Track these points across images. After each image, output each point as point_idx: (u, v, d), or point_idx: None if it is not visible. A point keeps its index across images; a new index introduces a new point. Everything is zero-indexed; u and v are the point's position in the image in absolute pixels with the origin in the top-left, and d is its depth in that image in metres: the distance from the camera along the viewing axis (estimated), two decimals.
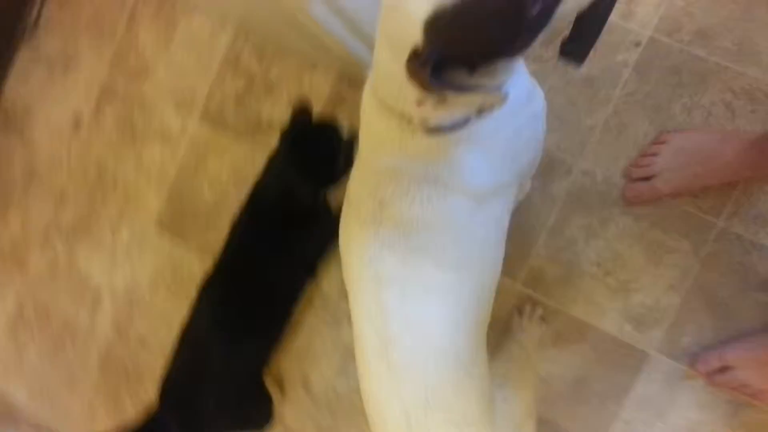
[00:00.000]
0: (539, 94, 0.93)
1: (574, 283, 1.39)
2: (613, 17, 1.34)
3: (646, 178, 1.32)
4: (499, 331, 1.41)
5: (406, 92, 0.65)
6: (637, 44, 1.35)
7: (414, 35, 0.59)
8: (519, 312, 1.42)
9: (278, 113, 1.60)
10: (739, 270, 1.30)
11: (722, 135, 1.26)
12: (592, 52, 1.35)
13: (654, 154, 1.31)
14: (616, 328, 1.37)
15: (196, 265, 1.67)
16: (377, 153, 0.84)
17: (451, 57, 0.61)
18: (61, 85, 1.81)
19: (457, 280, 0.86)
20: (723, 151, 1.23)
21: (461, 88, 0.63)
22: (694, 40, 1.33)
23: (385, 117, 0.78)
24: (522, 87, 0.84)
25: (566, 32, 0.70)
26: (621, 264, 1.37)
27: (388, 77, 0.72)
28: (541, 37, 0.63)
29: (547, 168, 1.40)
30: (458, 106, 0.65)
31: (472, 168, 0.83)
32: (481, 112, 0.65)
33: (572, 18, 0.67)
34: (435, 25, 0.58)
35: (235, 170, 1.64)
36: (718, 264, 1.31)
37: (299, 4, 0.99)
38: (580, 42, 0.71)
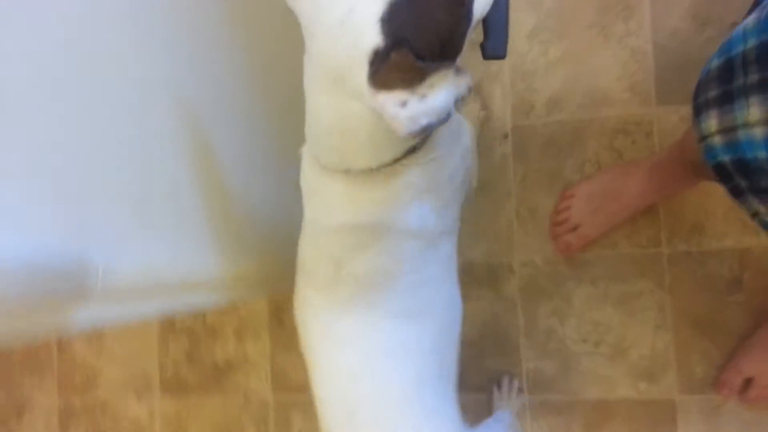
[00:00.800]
0: (466, 127, 0.96)
1: (573, 367, 1.37)
2: (475, 123, 1.41)
3: (570, 231, 1.34)
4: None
5: (381, 105, 0.59)
6: (506, 136, 1.42)
7: (369, 42, 0.58)
8: (498, 386, 1.39)
9: (232, 351, 1.60)
10: (705, 283, 1.31)
11: (623, 169, 1.31)
12: (478, 168, 1.43)
13: (567, 208, 1.35)
14: (633, 391, 1.34)
15: None
16: (328, 215, 0.83)
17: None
18: None
19: (416, 328, 0.85)
20: (628, 184, 1.28)
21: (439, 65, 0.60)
22: (550, 110, 1.40)
23: (330, 179, 0.78)
24: (452, 123, 0.85)
25: (481, 39, 0.73)
26: (603, 330, 1.36)
27: (340, 122, 0.69)
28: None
29: (491, 277, 1.42)
30: (441, 89, 0.59)
31: (421, 212, 0.84)
32: (459, 98, 0.61)
33: (479, 23, 0.71)
34: (393, 15, 0.57)
35: (216, 424, 1.60)
36: (685, 286, 1.32)
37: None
38: (495, 36, 0.74)
